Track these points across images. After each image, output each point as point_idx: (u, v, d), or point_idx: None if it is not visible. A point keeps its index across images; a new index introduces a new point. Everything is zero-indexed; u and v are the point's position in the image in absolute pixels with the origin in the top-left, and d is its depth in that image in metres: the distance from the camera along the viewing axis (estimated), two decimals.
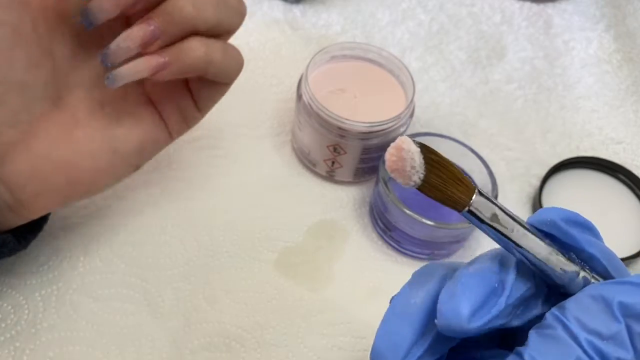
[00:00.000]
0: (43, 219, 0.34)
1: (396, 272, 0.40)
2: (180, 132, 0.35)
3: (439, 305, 0.21)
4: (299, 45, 0.52)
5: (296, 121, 0.43)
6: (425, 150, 0.21)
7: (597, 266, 0.22)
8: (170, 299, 0.36)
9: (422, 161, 0.21)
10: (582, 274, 0.22)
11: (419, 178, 0.21)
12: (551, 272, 0.22)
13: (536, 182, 0.45)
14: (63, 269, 0.36)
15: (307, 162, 0.43)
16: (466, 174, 0.22)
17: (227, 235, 0.39)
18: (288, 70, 0.49)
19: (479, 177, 0.40)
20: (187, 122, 0.35)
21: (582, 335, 0.20)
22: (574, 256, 0.22)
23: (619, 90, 0.52)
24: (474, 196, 0.21)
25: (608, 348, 0.19)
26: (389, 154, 0.21)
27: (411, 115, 0.42)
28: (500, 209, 0.21)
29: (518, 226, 0.21)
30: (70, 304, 0.35)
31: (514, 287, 0.21)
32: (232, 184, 0.42)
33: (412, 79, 0.42)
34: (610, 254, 0.22)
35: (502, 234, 0.21)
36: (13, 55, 0.27)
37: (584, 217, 0.22)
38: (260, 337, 0.35)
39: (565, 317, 0.20)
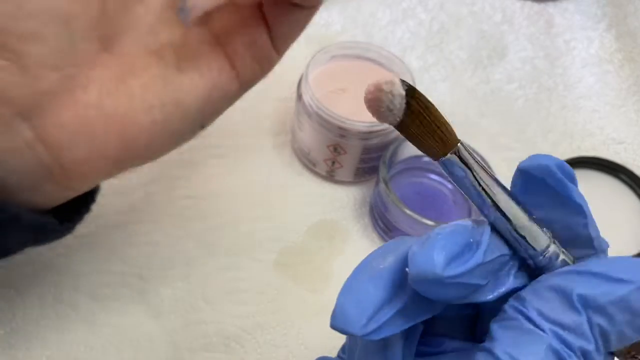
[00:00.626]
0: (90, 197, 0.29)
1: None
2: (253, 80, 0.29)
3: (410, 255, 0.19)
4: (299, 44, 0.51)
5: (296, 121, 0.42)
6: (410, 95, 0.20)
7: (580, 219, 0.21)
8: (170, 299, 0.36)
9: (404, 106, 0.20)
10: (552, 247, 0.21)
11: (395, 120, 0.20)
12: (521, 243, 0.21)
13: None
14: (60, 268, 0.36)
15: (307, 162, 0.43)
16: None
17: (227, 235, 0.39)
18: (288, 69, 0.49)
19: None
20: (262, 66, 0.29)
21: (546, 326, 0.19)
22: (546, 230, 0.21)
23: (620, 90, 0.52)
24: (453, 150, 0.20)
25: (571, 338, 0.19)
26: (367, 91, 0.20)
27: None
28: (483, 168, 0.21)
29: (498, 189, 0.21)
30: (69, 303, 0.35)
31: (489, 245, 0.20)
32: (231, 183, 0.42)
33: (412, 78, 0.42)
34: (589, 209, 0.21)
35: (483, 192, 0.21)
36: None
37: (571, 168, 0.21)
38: (260, 337, 0.35)
39: (525, 309, 0.20)
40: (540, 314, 0.19)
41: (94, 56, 0.25)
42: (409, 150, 0.42)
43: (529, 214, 0.21)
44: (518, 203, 0.21)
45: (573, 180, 0.21)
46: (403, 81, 0.20)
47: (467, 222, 0.21)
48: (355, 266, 0.23)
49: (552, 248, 0.21)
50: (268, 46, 0.29)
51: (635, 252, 0.40)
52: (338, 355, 0.28)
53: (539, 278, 0.21)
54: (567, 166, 0.21)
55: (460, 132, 0.51)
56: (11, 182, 0.25)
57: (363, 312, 0.20)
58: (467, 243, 0.20)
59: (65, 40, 0.24)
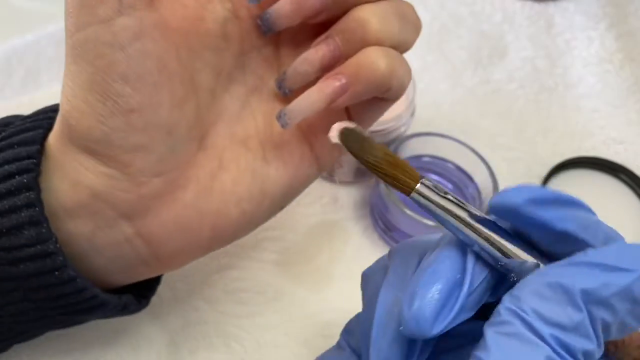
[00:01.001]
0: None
1: None
2: (331, 164, 0.30)
3: (401, 315, 0.20)
4: None
5: None
6: (347, 142, 0.23)
7: (573, 241, 0.20)
8: (169, 300, 0.36)
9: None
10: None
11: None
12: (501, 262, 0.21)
13: (537, 182, 0.45)
14: None
15: None
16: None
17: None
18: None
19: (480, 178, 0.40)
20: (339, 151, 0.29)
21: (546, 331, 0.18)
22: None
23: (620, 90, 0.52)
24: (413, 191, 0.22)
25: (573, 341, 0.18)
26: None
27: (412, 115, 0.42)
28: (452, 201, 0.21)
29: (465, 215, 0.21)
30: None
31: (475, 273, 0.21)
32: None
33: (412, 78, 0.41)
34: (589, 222, 0.20)
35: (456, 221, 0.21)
36: (158, 95, 0.24)
37: (553, 192, 0.20)
38: (260, 337, 0.35)
39: (522, 311, 0.19)
40: (539, 315, 0.18)
41: (192, 157, 0.27)
42: (409, 150, 0.42)
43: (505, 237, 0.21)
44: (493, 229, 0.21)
45: (555, 206, 0.20)
46: (343, 128, 0.23)
47: (450, 252, 0.21)
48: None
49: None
50: None
51: None
52: (342, 339, 0.28)
53: (537, 273, 0.20)
54: (546, 192, 0.20)
55: (461, 132, 0.52)
56: (108, 268, 0.27)
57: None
58: (454, 282, 0.21)
59: (168, 148, 0.25)
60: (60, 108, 0.25)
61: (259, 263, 0.38)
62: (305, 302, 0.37)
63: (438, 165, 0.43)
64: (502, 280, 0.22)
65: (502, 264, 0.21)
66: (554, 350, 0.18)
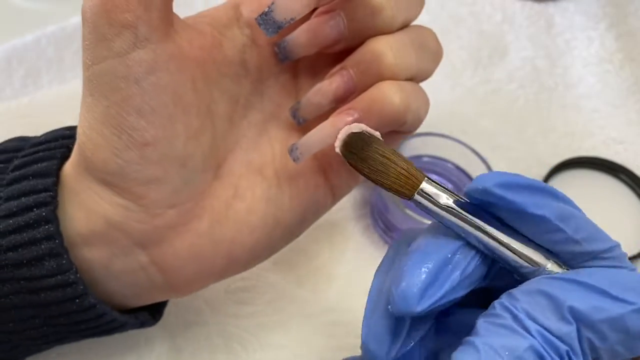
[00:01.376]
0: None
1: None
2: (346, 192, 0.30)
3: (390, 293, 0.21)
4: None
5: None
6: (348, 152, 0.23)
7: (552, 230, 0.21)
8: (170, 301, 0.36)
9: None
10: (549, 265, 0.21)
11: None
12: (503, 259, 0.21)
13: None
14: None
15: None
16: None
17: None
18: None
19: None
20: (355, 178, 0.29)
21: (533, 327, 0.19)
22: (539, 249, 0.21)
23: (620, 90, 0.52)
24: (414, 194, 0.22)
25: (558, 344, 0.19)
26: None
27: None
28: (455, 201, 0.22)
29: (469, 217, 0.21)
30: None
31: (465, 257, 0.21)
32: None
33: None
34: (569, 213, 0.21)
35: (453, 221, 0.21)
36: (173, 128, 0.24)
37: (528, 178, 0.21)
38: (261, 338, 0.35)
39: (514, 308, 0.20)
40: (529, 316, 0.19)
41: (208, 187, 0.27)
42: (409, 150, 0.42)
43: (507, 233, 0.21)
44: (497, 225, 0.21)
45: (531, 192, 0.20)
46: (347, 136, 0.23)
47: (440, 235, 0.22)
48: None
49: (550, 266, 0.21)
50: None
51: (635, 252, 0.40)
52: None
53: (535, 279, 0.20)
54: (517, 178, 0.20)
55: (461, 132, 0.52)
56: (123, 293, 0.27)
57: (382, 350, 0.22)
58: (442, 262, 0.21)
59: (182, 180, 0.25)
60: (77, 138, 0.25)
61: (260, 263, 0.38)
62: (305, 302, 0.37)
63: (438, 165, 0.43)
64: (496, 267, 0.22)
65: (518, 266, 0.21)
66: (539, 343, 0.19)
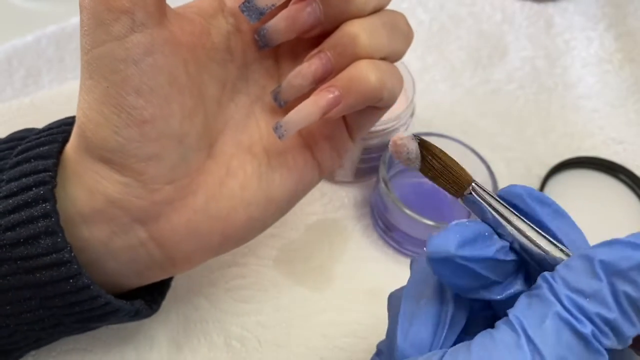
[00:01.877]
0: (171, 277, 0.32)
1: (397, 272, 0.40)
2: (332, 168, 0.31)
3: (429, 237, 0.22)
4: None
5: None
6: (422, 146, 0.24)
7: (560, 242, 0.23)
8: (170, 298, 0.36)
9: (419, 155, 0.24)
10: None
11: (416, 167, 0.24)
12: (536, 254, 0.23)
13: (537, 182, 0.45)
14: None
15: None
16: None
17: None
18: None
19: (480, 177, 0.40)
20: (340, 155, 0.31)
21: (564, 293, 0.20)
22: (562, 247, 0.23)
23: (620, 90, 0.52)
24: (467, 190, 0.24)
25: (589, 305, 0.20)
26: (390, 145, 0.24)
27: (411, 115, 0.42)
28: (496, 200, 0.23)
29: (513, 216, 0.23)
30: None
31: (502, 247, 0.23)
32: None
33: (412, 78, 0.42)
34: (570, 231, 0.23)
35: (502, 217, 0.23)
36: (169, 107, 0.26)
37: (549, 198, 0.23)
38: (261, 336, 0.35)
39: (552, 278, 0.21)
40: (564, 281, 0.20)
41: (202, 165, 0.28)
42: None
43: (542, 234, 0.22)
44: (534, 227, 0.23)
45: (548, 208, 0.23)
46: (415, 136, 0.24)
47: (480, 222, 0.23)
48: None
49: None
50: (345, 136, 0.31)
51: None
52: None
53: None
54: (543, 196, 0.23)
55: (461, 132, 0.52)
56: (122, 271, 0.28)
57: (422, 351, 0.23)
58: (482, 234, 0.22)
59: (179, 157, 0.27)
60: (77, 120, 0.26)
61: (260, 261, 0.39)
62: (305, 300, 0.37)
63: None
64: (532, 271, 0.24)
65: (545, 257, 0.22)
66: (565, 308, 0.20)
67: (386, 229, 0.40)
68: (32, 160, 0.26)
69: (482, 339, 0.20)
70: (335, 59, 0.27)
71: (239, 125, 0.30)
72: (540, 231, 0.22)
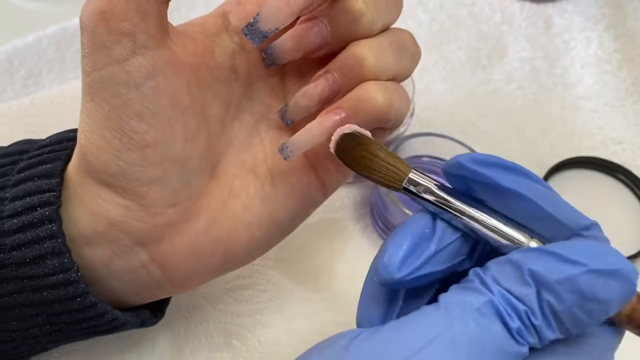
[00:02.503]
0: None
1: None
2: (336, 187, 0.31)
3: (375, 265, 0.23)
4: None
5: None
6: (341, 151, 0.25)
7: (527, 205, 0.22)
8: (171, 298, 0.36)
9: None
10: (532, 244, 0.22)
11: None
12: (487, 239, 0.23)
13: None
14: None
15: None
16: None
17: None
18: None
19: None
20: (345, 175, 0.30)
21: (495, 288, 0.21)
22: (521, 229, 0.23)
23: (619, 90, 0.52)
24: (402, 185, 0.24)
25: (517, 304, 0.20)
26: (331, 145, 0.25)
27: (411, 115, 0.42)
28: (438, 186, 0.23)
29: (457, 203, 0.23)
30: None
31: (446, 231, 0.23)
32: None
33: (412, 78, 0.42)
34: (543, 192, 0.22)
35: (440, 207, 0.23)
36: (171, 130, 0.25)
37: (502, 158, 0.23)
38: (262, 336, 0.35)
39: (484, 274, 0.21)
40: (495, 280, 0.21)
41: (205, 187, 0.28)
42: (409, 150, 0.42)
43: (494, 215, 0.22)
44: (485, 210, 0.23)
45: (504, 170, 0.22)
46: (339, 137, 0.25)
47: (421, 215, 0.24)
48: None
49: (533, 244, 0.22)
50: None
51: (633, 252, 0.41)
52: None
53: (510, 252, 0.22)
54: (490, 157, 0.22)
55: (460, 132, 0.52)
56: (124, 290, 0.28)
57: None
58: (421, 236, 0.23)
59: (181, 181, 0.26)
60: (78, 142, 0.26)
61: (260, 261, 0.39)
62: (305, 300, 0.37)
63: (438, 165, 0.43)
64: (482, 250, 0.24)
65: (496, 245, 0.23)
66: (499, 301, 0.20)
67: (386, 229, 0.40)
68: (36, 178, 0.26)
69: (403, 318, 0.21)
70: (342, 80, 0.27)
71: (243, 144, 0.29)
72: (480, 217, 0.22)
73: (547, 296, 0.20)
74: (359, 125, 0.25)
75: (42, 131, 0.42)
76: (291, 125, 0.29)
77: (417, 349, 0.19)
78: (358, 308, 0.25)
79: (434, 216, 0.23)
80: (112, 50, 0.24)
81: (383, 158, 0.24)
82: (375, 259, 0.25)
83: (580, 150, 0.48)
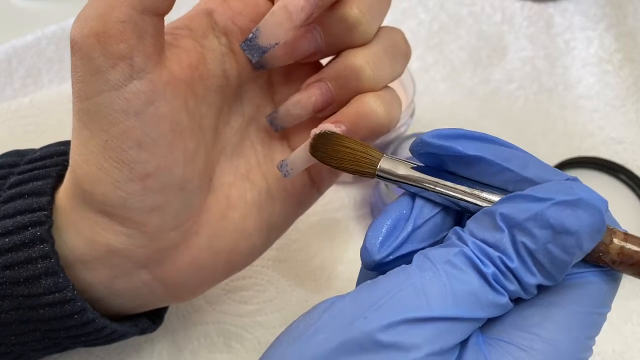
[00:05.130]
0: None
1: None
2: (329, 186, 0.31)
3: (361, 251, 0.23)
4: None
5: None
6: (315, 150, 0.25)
7: (498, 171, 0.22)
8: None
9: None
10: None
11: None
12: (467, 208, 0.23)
13: None
14: None
15: None
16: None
17: None
18: None
19: None
20: (335, 175, 0.30)
21: (470, 240, 0.21)
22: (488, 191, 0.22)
23: (620, 90, 0.52)
24: (375, 172, 0.24)
25: (491, 252, 0.20)
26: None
27: (412, 115, 0.42)
28: (411, 167, 0.23)
29: (430, 180, 0.23)
30: None
31: (423, 210, 0.23)
32: None
33: (412, 78, 0.42)
34: (511, 154, 0.22)
35: (417, 186, 0.23)
36: (172, 156, 0.24)
37: (466, 130, 0.23)
38: (261, 337, 0.35)
39: (461, 231, 0.21)
40: (471, 232, 0.21)
41: (203, 203, 0.27)
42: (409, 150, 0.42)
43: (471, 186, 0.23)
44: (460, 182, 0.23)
45: (466, 139, 0.22)
46: (312, 138, 0.25)
47: (401, 198, 0.23)
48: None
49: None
50: None
51: None
52: None
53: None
54: (455, 130, 0.22)
55: None
56: (125, 306, 0.27)
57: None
58: (399, 217, 0.23)
59: (182, 204, 0.26)
60: (72, 169, 0.25)
61: (260, 261, 0.38)
62: (305, 301, 0.37)
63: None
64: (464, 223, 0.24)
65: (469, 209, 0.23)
66: (471, 250, 0.21)
67: None
68: (27, 196, 0.25)
69: (380, 277, 0.21)
70: (336, 91, 0.26)
71: (235, 149, 0.28)
72: (455, 186, 0.22)
73: (520, 237, 0.20)
74: (360, 139, 0.25)
75: (40, 131, 0.41)
76: (280, 131, 0.28)
77: (386, 298, 0.20)
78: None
79: (413, 197, 0.23)
80: (108, 75, 0.22)
81: (354, 148, 0.24)
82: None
83: (581, 150, 0.48)
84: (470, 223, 0.21)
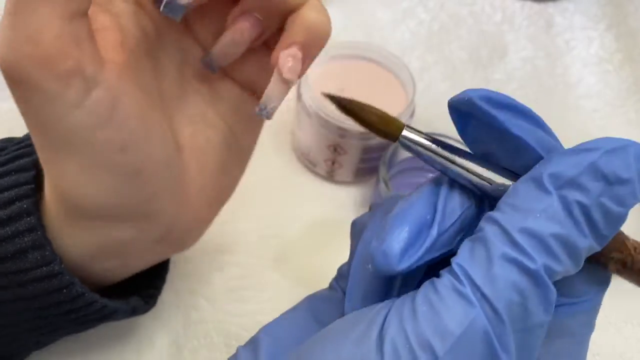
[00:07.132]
0: (164, 270, 0.32)
1: None
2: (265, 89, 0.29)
3: (371, 251, 0.20)
4: None
5: (296, 121, 0.42)
6: (339, 105, 0.23)
7: (533, 158, 0.20)
8: (170, 299, 0.36)
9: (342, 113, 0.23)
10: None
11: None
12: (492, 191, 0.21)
13: None
14: None
15: (307, 162, 0.43)
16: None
17: (227, 234, 0.39)
18: None
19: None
20: (264, 70, 0.29)
21: (511, 225, 0.18)
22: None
23: (620, 90, 0.52)
24: (399, 135, 0.22)
25: (540, 226, 0.18)
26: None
27: (412, 115, 0.42)
28: (435, 142, 0.22)
29: (453, 156, 0.22)
30: None
31: (446, 213, 0.21)
32: None
33: (412, 78, 0.42)
34: (551, 145, 0.21)
35: (440, 156, 0.22)
36: (151, 143, 0.24)
37: (515, 101, 0.21)
38: None
39: (495, 214, 0.19)
40: (512, 208, 0.19)
41: (184, 169, 0.27)
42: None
43: (492, 167, 0.21)
44: (481, 161, 0.21)
45: (514, 113, 0.20)
46: (330, 97, 0.23)
47: (424, 193, 0.22)
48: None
49: None
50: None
51: None
52: (334, 281, 0.28)
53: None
54: (504, 97, 0.20)
55: None
56: (115, 268, 0.28)
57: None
58: (423, 221, 0.21)
59: (170, 183, 0.26)
60: (53, 190, 0.25)
61: (260, 261, 0.38)
62: None
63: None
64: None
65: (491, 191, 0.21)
66: (512, 242, 0.18)
67: None
68: (13, 173, 0.26)
69: (426, 290, 0.19)
70: (265, 19, 0.25)
71: (181, 99, 0.27)
72: (477, 168, 0.21)
73: (574, 195, 0.18)
74: (313, 56, 0.24)
75: None
76: (218, 71, 0.27)
77: None
78: (347, 300, 0.23)
79: (434, 194, 0.21)
80: (65, 97, 0.21)
81: (376, 111, 0.23)
82: (362, 242, 0.23)
83: None
84: (505, 197, 0.19)
